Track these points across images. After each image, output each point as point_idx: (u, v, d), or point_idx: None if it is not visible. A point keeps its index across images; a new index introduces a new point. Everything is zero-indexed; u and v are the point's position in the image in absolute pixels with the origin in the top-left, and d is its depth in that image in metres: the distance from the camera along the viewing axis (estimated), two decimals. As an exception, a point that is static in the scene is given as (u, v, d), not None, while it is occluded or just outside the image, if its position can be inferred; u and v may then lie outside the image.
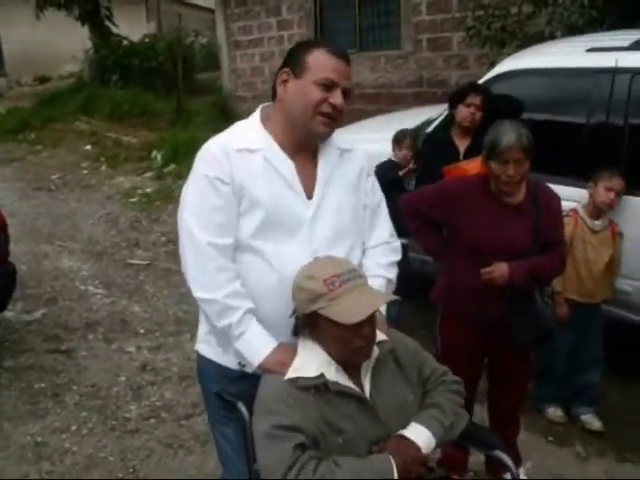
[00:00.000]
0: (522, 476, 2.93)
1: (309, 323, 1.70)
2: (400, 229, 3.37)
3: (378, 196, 2.04)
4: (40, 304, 4.92)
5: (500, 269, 2.51)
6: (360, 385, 1.73)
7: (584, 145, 3.43)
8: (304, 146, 1.85)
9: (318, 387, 1.65)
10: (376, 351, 1.76)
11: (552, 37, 5.01)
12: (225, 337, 1.79)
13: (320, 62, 1.76)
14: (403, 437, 1.69)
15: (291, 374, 1.67)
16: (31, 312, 4.76)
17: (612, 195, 3.17)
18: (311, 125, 1.78)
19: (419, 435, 1.69)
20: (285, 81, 1.80)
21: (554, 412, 3.43)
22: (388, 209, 2.09)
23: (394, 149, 4.01)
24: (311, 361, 1.69)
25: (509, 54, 4.90)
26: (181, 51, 11.18)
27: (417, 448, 1.67)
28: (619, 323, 3.48)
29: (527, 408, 3.27)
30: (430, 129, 4.12)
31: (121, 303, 4.96)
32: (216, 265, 1.74)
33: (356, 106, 8.44)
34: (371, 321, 1.67)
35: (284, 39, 9.45)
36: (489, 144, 2.51)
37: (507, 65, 3.94)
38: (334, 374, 1.68)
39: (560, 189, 2.85)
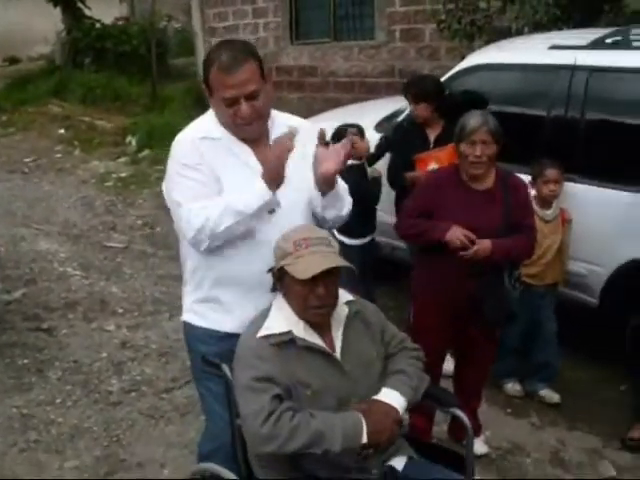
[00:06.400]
0: (482, 443, 3.16)
1: (278, 278, 1.93)
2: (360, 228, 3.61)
3: None
4: (19, 284, 4.99)
5: (484, 245, 2.66)
6: (331, 342, 1.94)
7: (544, 137, 3.64)
8: None
9: (286, 342, 1.88)
10: (345, 310, 1.99)
11: (519, 33, 5.22)
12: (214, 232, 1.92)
13: (218, 82, 1.94)
14: (379, 401, 1.91)
15: (263, 332, 1.89)
16: (11, 292, 4.83)
17: (552, 186, 3.39)
18: (236, 133, 2.00)
19: (394, 398, 1.92)
20: (207, 94, 2.02)
21: (512, 387, 3.64)
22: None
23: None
24: (281, 319, 1.91)
25: (479, 47, 5.11)
26: (154, 35, 11.13)
27: (395, 409, 1.90)
28: (574, 304, 3.70)
29: (488, 383, 3.48)
30: (400, 118, 4.28)
31: (99, 284, 5.06)
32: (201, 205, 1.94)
33: (331, 95, 8.60)
34: (327, 284, 1.87)
35: (259, 27, 9.51)
36: (458, 128, 2.75)
37: (472, 60, 4.13)
38: (302, 331, 1.90)
39: (523, 178, 3.06)
